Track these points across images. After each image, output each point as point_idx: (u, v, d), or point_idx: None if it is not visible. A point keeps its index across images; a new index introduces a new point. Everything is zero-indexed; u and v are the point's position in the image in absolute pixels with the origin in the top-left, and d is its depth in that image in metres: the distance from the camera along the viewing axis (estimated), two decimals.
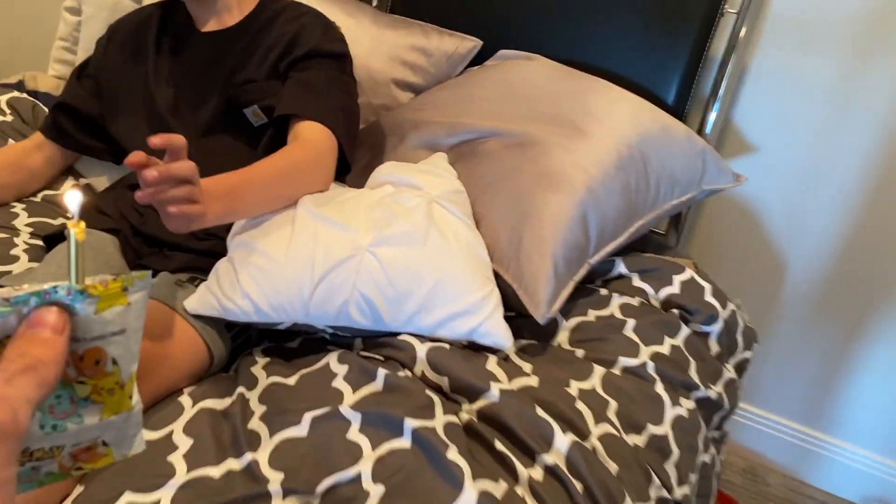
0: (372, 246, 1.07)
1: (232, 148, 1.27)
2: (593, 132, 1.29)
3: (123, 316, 0.41)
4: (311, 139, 1.16)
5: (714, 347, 1.24)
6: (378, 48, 1.57)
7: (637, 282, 1.30)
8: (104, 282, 0.40)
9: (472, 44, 1.59)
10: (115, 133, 1.33)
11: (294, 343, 1.13)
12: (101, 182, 1.43)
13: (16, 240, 1.24)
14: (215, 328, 1.07)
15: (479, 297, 1.07)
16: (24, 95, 1.58)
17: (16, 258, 1.20)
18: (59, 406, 0.41)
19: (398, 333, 1.08)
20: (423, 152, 1.37)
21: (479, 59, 1.61)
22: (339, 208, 1.12)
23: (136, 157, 0.84)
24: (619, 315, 1.21)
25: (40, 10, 2.34)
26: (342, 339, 1.11)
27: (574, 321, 1.19)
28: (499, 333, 1.07)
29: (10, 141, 1.45)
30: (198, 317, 1.06)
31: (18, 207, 1.32)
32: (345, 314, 1.05)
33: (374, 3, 1.72)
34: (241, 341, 1.14)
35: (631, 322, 1.19)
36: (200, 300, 1.06)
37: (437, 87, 1.53)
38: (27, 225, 1.29)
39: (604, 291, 1.27)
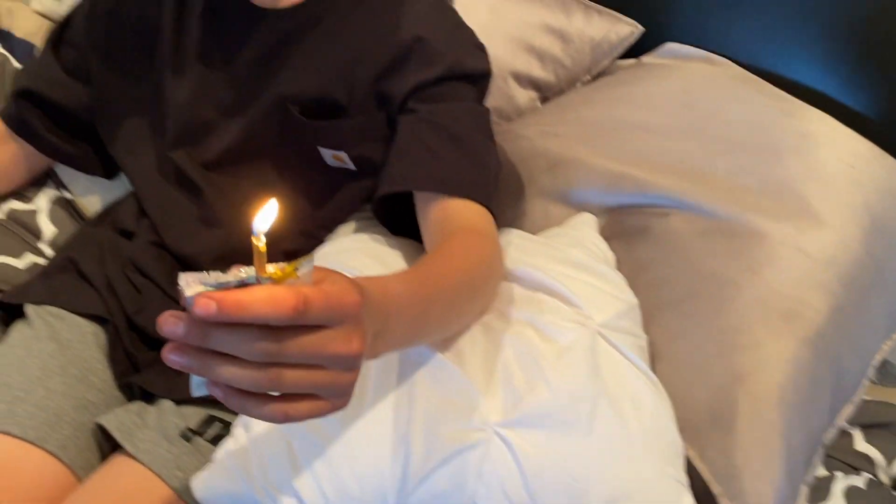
0: (503, 425, 0.65)
1: (268, 188, 0.82)
2: (835, 222, 0.83)
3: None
4: (483, 229, 0.72)
5: None
6: (498, 25, 1.09)
7: (860, 444, 0.89)
8: (282, 268, 0.40)
9: (629, 29, 1.12)
10: (108, 141, 0.89)
11: None
12: (93, 202, 0.98)
13: None
14: None
15: None
16: None
17: None
18: None
19: None
20: (559, 208, 0.92)
21: (633, 50, 1.14)
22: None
23: (167, 320, 0.40)
24: None
25: None
26: None
27: None
28: None
29: None
30: None
31: None
32: None
33: None
34: None
35: None
36: (218, 482, 0.66)
37: (581, 98, 1.06)
38: None
39: (820, 469, 0.84)
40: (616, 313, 0.74)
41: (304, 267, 0.41)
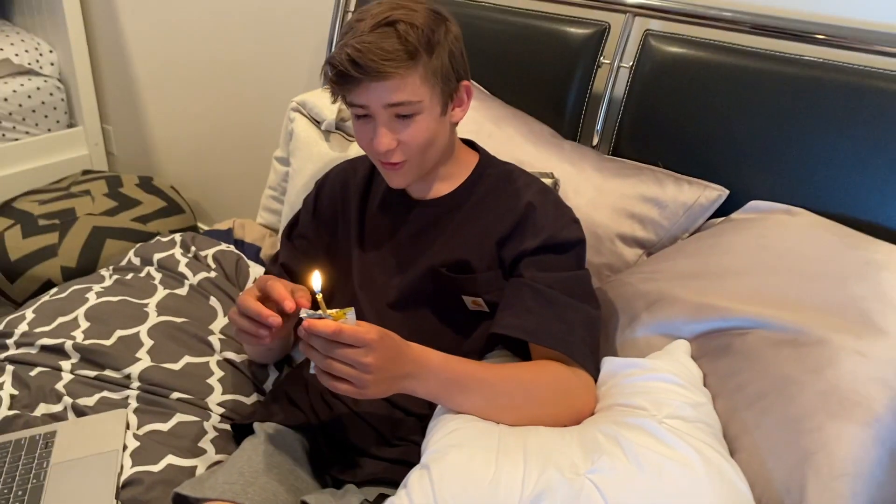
0: (591, 472, 0.85)
1: (429, 326, 1.12)
2: (894, 328, 0.98)
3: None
4: (563, 370, 1.01)
5: None
6: (602, 199, 1.37)
7: None
8: (336, 312, 0.84)
9: (716, 193, 1.34)
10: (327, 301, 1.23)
11: None
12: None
13: (205, 424, 1.15)
14: None
15: None
16: (231, 248, 1.54)
17: (202, 451, 1.11)
18: None
19: None
20: (659, 340, 1.13)
21: (723, 209, 1.35)
22: None
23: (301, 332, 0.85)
24: None
25: (255, 158, 2.43)
26: None
27: None
28: None
29: (213, 298, 1.40)
30: None
31: (215, 377, 1.24)
32: None
33: (595, 142, 1.53)
34: None
35: None
36: None
37: (676, 250, 1.28)
38: (219, 404, 1.20)
39: None
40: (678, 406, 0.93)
41: (350, 314, 0.84)
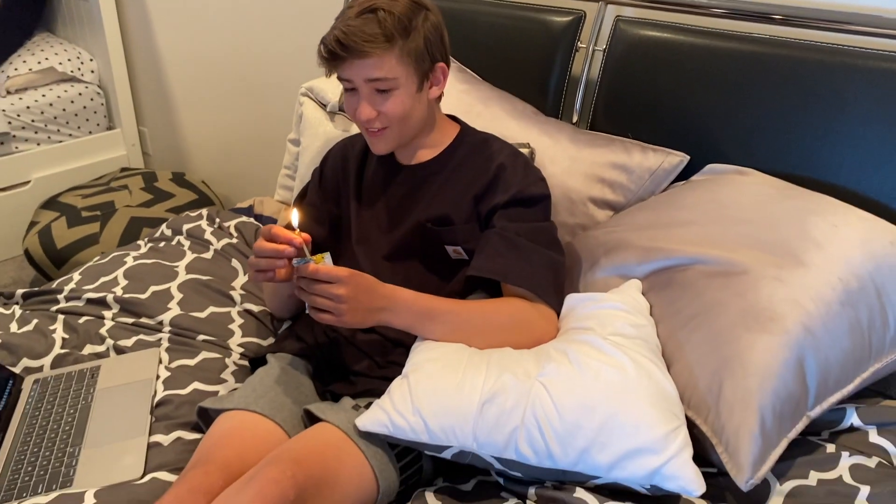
0: (541, 376, 1.02)
1: (417, 273, 1.29)
2: (813, 261, 1.13)
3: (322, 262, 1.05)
4: (523, 304, 1.18)
5: None
6: (576, 167, 1.53)
7: (874, 437, 1.09)
8: (316, 257, 1.04)
9: (677, 159, 1.49)
10: (335, 247, 1.40)
11: (468, 486, 1.08)
12: None
13: (227, 360, 1.34)
14: (386, 457, 1.06)
15: (661, 432, 0.96)
16: (251, 220, 1.74)
17: (224, 381, 1.29)
18: None
19: (575, 481, 1.00)
20: (616, 280, 1.29)
21: (686, 173, 1.51)
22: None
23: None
24: (848, 480, 1.01)
25: (277, 152, 2.63)
26: (517, 489, 1.04)
27: (790, 485, 1.02)
28: (686, 476, 0.94)
29: (234, 260, 1.60)
30: (369, 445, 1.05)
31: (235, 324, 1.43)
32: (514, 445, 1.00)
33: (575, 119, 1.70)
34: (413, 481, 1.12)
35: (864, 490, 0.99)
36: (371, 417, 1.06)
37: (636, 207, 1.44)
38: (239, 345, 1.39)
39: (830, 447, 1.07)
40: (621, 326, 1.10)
41: (326, 257, 1.05)
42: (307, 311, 1.08)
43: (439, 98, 1.30)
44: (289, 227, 1.10)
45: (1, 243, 2.82)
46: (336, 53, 1.14)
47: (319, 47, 1.18)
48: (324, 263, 1.04)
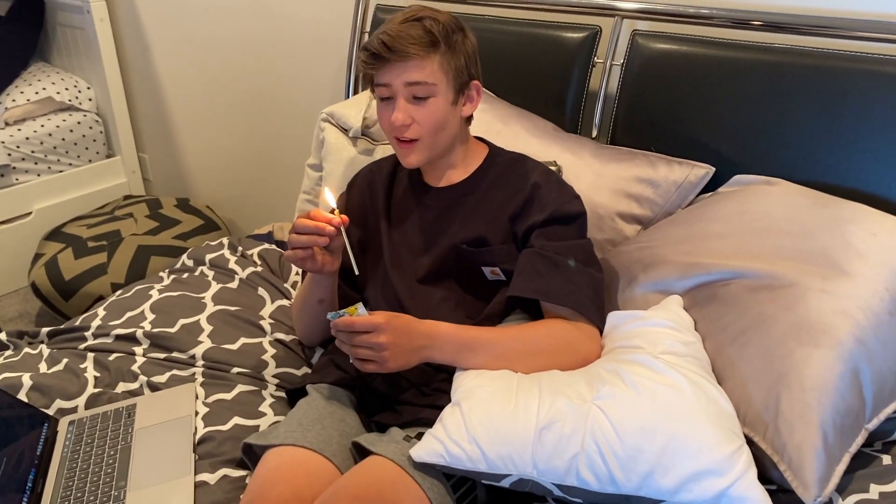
0: (596, 399, 1.01)
1: (454, 295, 1.28)
2: (857, 271, 1.13)
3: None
4: (565, 324, 1.17)
5: None
6: (601, 182, 1.53)
7: None
8: (349, 309, 1.04)
9: (703, 171, 1.50)
10: (361, 272, 1.39)
11: None
12: None
13: (263, 392, 1.32)
14: (443, 488, 1.04)
15: (725, 452, 0.95)
16: (273, 247, 1.72)
17: (263, 413, 1.27)
18: None
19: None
20: (655, 296, 1.28)
21: (712, 185, 1.51)
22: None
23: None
24: None
25: (281, 176, 2.62)
26: None
27: (852, 499, 1.01)
28: (754, 498, 0.93)
29: (260, 289, 1.58)
30: (425, 477, 1.04)
31: (268, 354, 1.41)
32: (574, 471, 0.98)
33: (594, 134, 1.70)
34: None
35: None
36: (426, 447, 1.04)
37: (667, 221, 1.44)
38: (274, 376, 1.37)
39: (886, 459, 1.07)
40: (671, 344, 1.09)
41: (360, 308, 1.05)
42: (351, 362, 1.08)
43: (469, 119, 1.30)
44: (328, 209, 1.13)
45: (4, 276, 2.78)
46: (379, 55, 1.16)
47: (360, 52, 1.18)
48: (358, 314, 1.05)
